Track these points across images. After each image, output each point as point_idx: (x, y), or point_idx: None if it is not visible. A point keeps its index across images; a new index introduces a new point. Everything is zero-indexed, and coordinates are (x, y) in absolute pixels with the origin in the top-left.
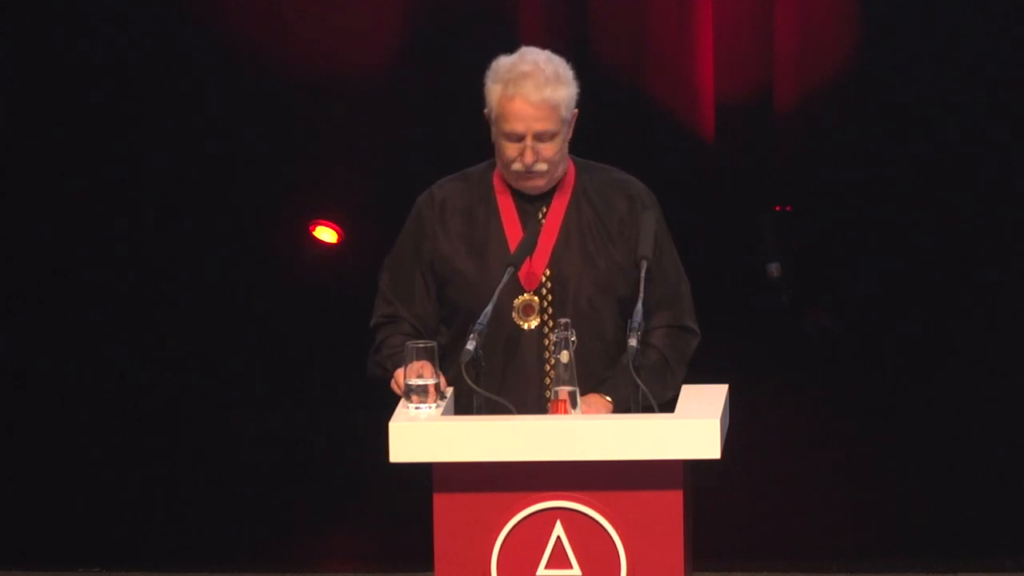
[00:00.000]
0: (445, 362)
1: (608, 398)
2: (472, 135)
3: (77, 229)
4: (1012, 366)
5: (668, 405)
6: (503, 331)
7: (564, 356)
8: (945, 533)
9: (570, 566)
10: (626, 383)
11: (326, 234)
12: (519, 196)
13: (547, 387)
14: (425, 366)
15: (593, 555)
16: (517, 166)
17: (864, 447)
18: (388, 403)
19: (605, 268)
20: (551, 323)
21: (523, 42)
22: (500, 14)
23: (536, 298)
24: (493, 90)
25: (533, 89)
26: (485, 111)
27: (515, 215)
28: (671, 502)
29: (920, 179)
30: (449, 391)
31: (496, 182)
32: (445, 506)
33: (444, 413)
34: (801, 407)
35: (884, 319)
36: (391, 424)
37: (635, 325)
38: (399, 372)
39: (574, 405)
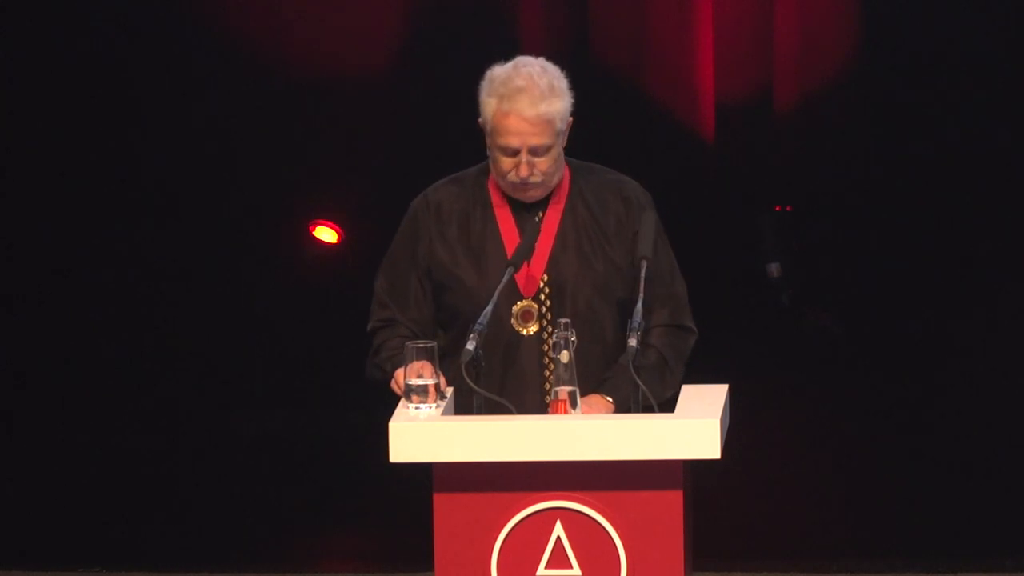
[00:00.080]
0: (443, 365)
1: (609, 398)
2: (472, 135)
3: (77, 229)
4: (1012, 366)
5: (668, 405)
6: (502, 337)
7: (564, 356)
8: (945, 533)
9: (570, 566)
10: (626, 383)
11: (326, 234)
12: (515, 201)
13: (547, 392)
14: (425, 366)
15: (593, 555)
16: (513, 178)
17: (864, 447)
18: (388, 403)
19: (603, 271)
20: (550, 329)
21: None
22: (500, 14)
23: (535, 304)
24: (488, 103)
25: (528, 105)
26: (479, 120)
27: (512, 220)
28: (671, 502)
29: (920, 179)
30: (449, 391)
31: (491, 187)
32: (445, 506)
33: (444, 413)
34: (801, 407)
35: (884, 319)
36: (391, 424)
37: (635, 325)
38: (399, 372)
39: (574, 405)
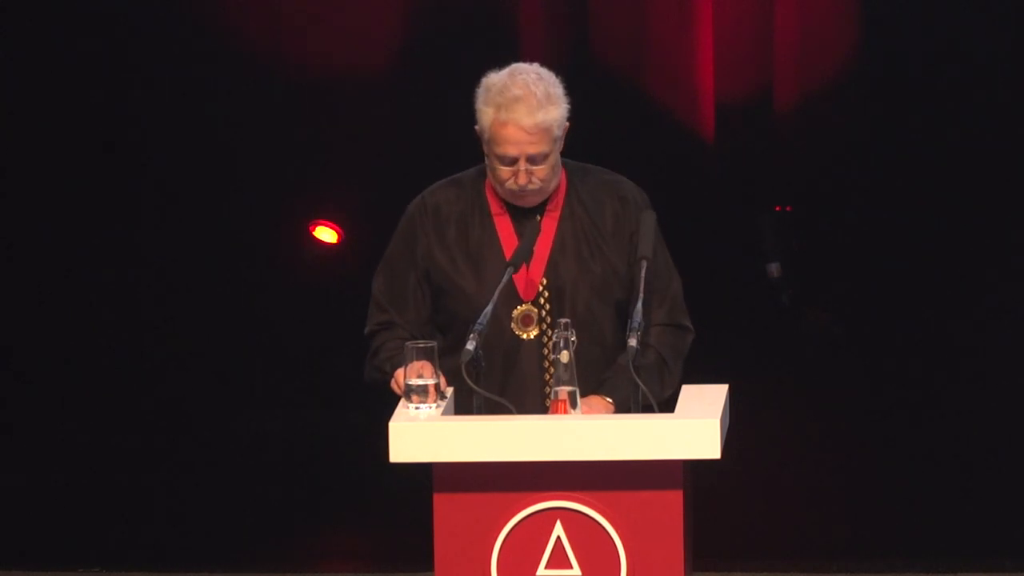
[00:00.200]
0: (441, 366)
1: (608, 399)
2: (472, 136)
3: (77, 229)
4: (1012, 366)
5: (668, 405)
6: (503, 342)
7: (564, 356)
8: (945, 533)
9: (570, 566)
10: (625, 383)
11: (326, 234)
12: (513, 206)
13: (547, 396)
14: (425, 366)
15: (593, 555)
16: (511, 186)
17: (864, 447)
18: (388, 403)
19: (601, 273)
20: (550, 333)
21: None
22: (500, 14)
23: (534, 308)
24: (485, 112)
25: (525, 114)
26: (476, 128)
27: (510, 227)
28: (671, 502)
29: (920, 179)
30: (449, 391)
31: (489, 191)
32: (445, 506)
33: (444, 413)
34: (801, 407)
35: (884, 319)
36: (391, 424)
37: (635, 325)
38: (399, 372)
39: (574, 405)
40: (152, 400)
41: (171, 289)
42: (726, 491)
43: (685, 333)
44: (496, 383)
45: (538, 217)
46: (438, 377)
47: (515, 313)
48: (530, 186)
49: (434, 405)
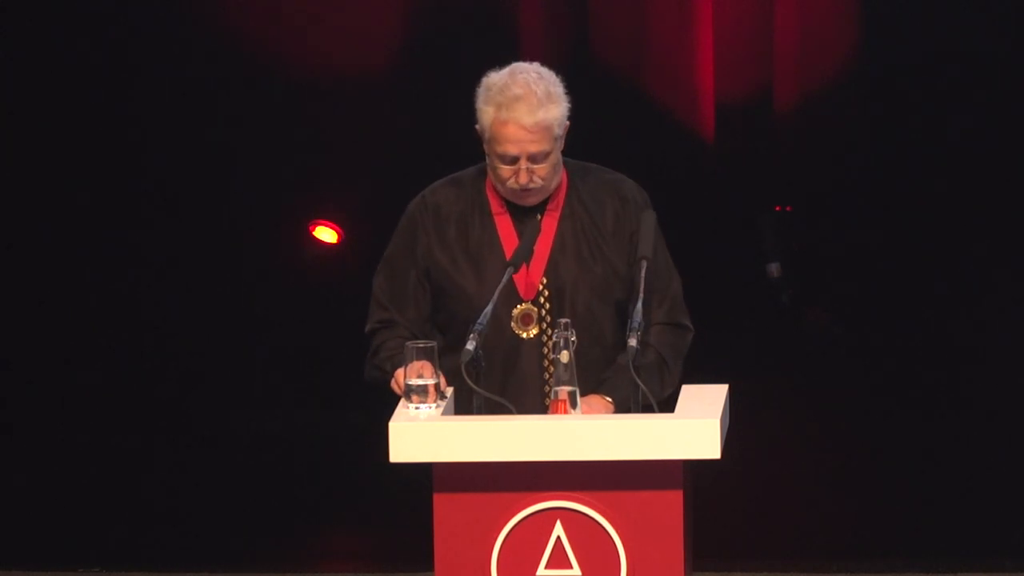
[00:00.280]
0: (441, 366)
1: (608, 398)
2: (472, 135)
3: (77, 229)
4: (1012, 366)
5: (668, 404)
6: (502, 341)
7: (564, 356)
8: (945, 533)
9: (570, 566)
10: (625, 383)
11: (326, 234)
12: (514, 206)
13: (547, 395)
14: (425, 366)
15: (593, 555)
16: (512, 185)
17: (864, 447)
18: (388, 403)
19: (601, 273)
20: (550, 332)
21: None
22: (500, 14)
23: (534, 307)
24: (485, 111)
25: (526, 113)
26: (477, 128)
27: (511, 226)
28: (671, 502)
29: (920, 179)
30: (449, 391)
31: (490, 191)
32: (445, 506)
33: (444, 413)
34: (801, 407)
35: (884, 319)
36: (391, 424)
37: (635, 325)
38: (399, 372)
39: (574, 405)
40: (152, 400)
41: (171, 289)
42: (726, 491)
43: (685, 332)
44: (496, 382)
45: (539, 216)
46: (438, 377)
47: (515, 312)
48: (531, 185)
49: (434, 405)
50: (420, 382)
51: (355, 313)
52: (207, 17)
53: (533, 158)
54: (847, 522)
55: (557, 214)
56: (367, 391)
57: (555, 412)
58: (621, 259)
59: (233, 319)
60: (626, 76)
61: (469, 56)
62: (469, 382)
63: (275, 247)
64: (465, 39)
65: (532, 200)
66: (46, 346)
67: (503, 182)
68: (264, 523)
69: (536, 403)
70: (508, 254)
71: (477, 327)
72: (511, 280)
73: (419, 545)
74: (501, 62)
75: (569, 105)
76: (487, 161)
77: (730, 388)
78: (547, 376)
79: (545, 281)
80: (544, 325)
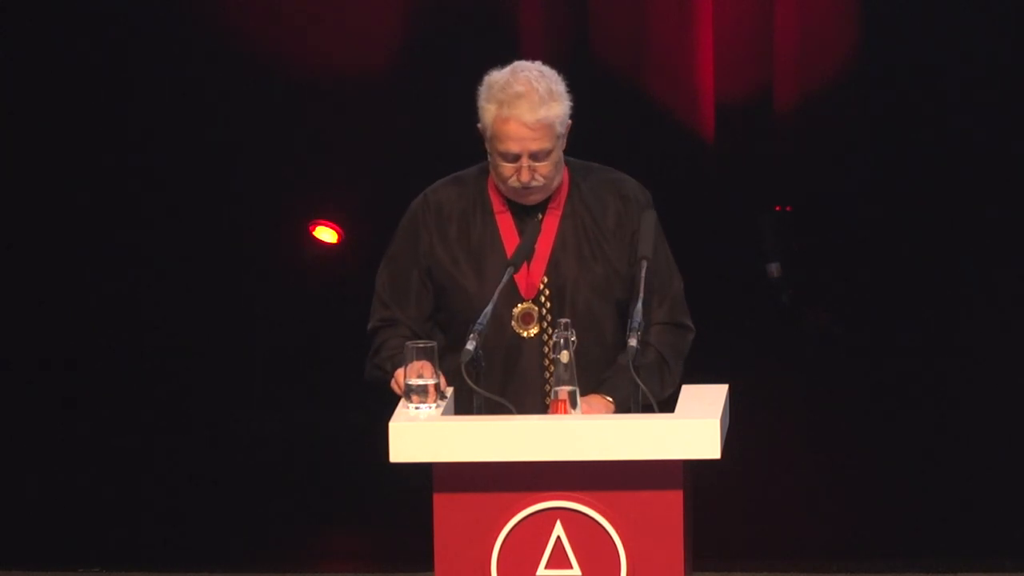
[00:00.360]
0: (441, 366)
1: (609, 398)
2: (472, 135)
3: (77, 229)
4: (1012, 366)
5: (668, 404)
6: (503, 340)
7: (564, 356)
8: (945, 533)
9: (570, 566)
10: (625, 383)
11: (326, 234)
12: (515, 205)
13: (547, 394)
14: (425, 366)
15: (593, 555)
16: (514, 183)
17: (864, 447)
18: (388, 403)
19: (602, 272)
20: (551, 331)
21: (523, 42)
22: (500, 14)
23: (535, 306)
24: (487, 109)
25: (527, 110)
26: (479, 126)
27: (512, 225)
28: (671, 502)
29: (920, 179)
30: (449, 391)
31: (491, 190)
32: (445, 506)
33: (444, 413)
34: (801, 407)
35: (884, 319)
36: (391, 424)
37: (635, 325)
38: (399, 372)
39: (574, 405)
40: (152, 400)
41: (171, 289)
42: (726, 491)
43: (686, 332)
44: (497, 382)
45: (540, 215)
46: (438, 377)
47: (515, 311)
48: (533, 183)
49: (434, 405)
50: (420, 382)
51: (355, 313)
52: (207, 17)
53: (535, 156)
54: (847, 522)
55: (559, 213)
56: (367, 391)
57: (555, 412)
58: (622, 258)
59: (233, 319)
60: (626, 76)
61: (469, 56)
62: (469, 382)
63: (275, 247)
64: (465, 39)
65: (534, 199)
66: (46, 346)
67: (505, 180)
68: (264, 523)
69: (537, 402)
70: (509, 253)
71: (477, 327)
72: (512, 279)
73: (419, 545)
74: (501, 62)
75: (571, 103)
76: (489, 160)
77: (730, 388)
78: (548, 375)
79: (546, 280)
80: (545, 324)
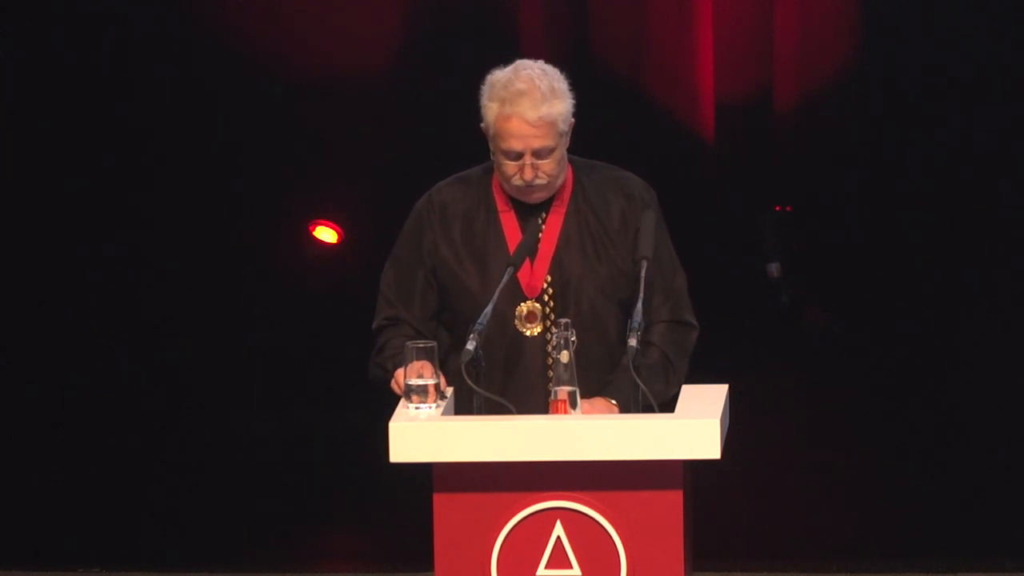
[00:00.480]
0: (446, 366)
1: (613, 401)
2: (472, 135)
3: (77, 228)
4: (1012, 366)
5: (668, 404)
6: (506, 339)
7: (564, 356)
8: (945, 533)
9: (570, 566)
10: (629, 385)
11: (326, 234)
12: (519, 204)
13: (550, 393)
14: (425, 366)
15: (593, 555)
16: (517, 181)
17: (864, 447)
18: (388, 403)
19: (606, 271)
20: (554, 329)
21: (523, 42)
22: (500, 14)
23: (539, 305)
24: (489, 108)
25: (530, 107)
26: (482, 125)
27: (516, 224)
28: (671, 502)
29: (920, 179)
30: (449, 391)
31: (495, 187)
32: (445, 506)
33: (444, 413)
34: (801, 407)
35: (884, 319)
36: (391, 424)
37: (635, 325)
38: (399, 372)
39: (574, 405)
40: (152, 400)
41: (171, 289)
42: (726, 491)
43: (689, 330)
44: (499, 380)
45: (544, 215)
46: (438, 377)
47: (519, 310)
48: (536, 181)
49: (434, 405)
50: (420, 382)
51: (355, 313)
52: (207, 17)
53: (537, 154)
54: (847, 522)
55: (563, 211)
56: (367, 391)
57: (555, 412)
58: (626, 257)
59: (233, 319)
60: (626, 76)
61: (469, 56)
62: (469, 382)
63: (275, 247)
64: (465, 39)
65: (537, 197)
66: (47, 345)
67: (508, 179)
68: (264, 523)
69: (540, 401)
70: (511, 248)
71: (477, 327)
72: (515, 278)
73: (419, 545)
74: (501, 62)
75: (574, 102)
76: (492, 159)
77: (730, 388)
78: (551, 375)
79: (550, 279)
80: (548, 323)
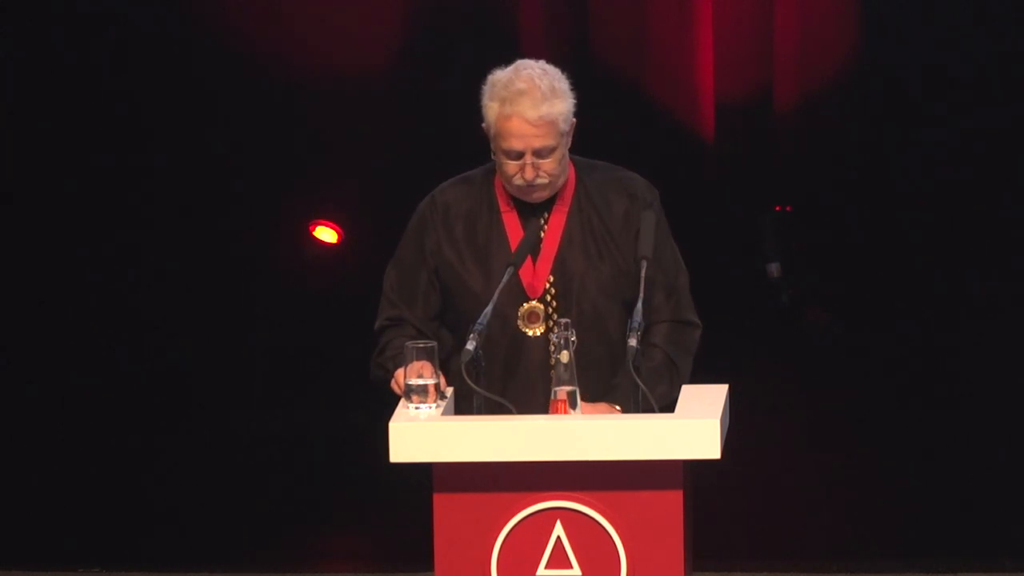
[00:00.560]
0: (449, 366)
1: (617, 407)
2: (472, 135)
3: (77, 229)
4: (1012, 366)
5: (668, 404)
6: (507, 339)
7: (564, 356)
8: (945, 533)
9: (570, 566)
10: (633, 390)
11: (326, 234)
12: (522, 204)
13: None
14: (425, 366)
15: (593, 555)
16: (518, 181)
17: (864, 447)
18: (388, 403)
19: (608, 271)
20: (555, 329)
21: (523, 42)
22: (500, 14)
23: (541, 305)
24: (490, 108)
25: (530, 107)
26: (483, 125)
27: (518, 224)
28: (671, 502)
29: (920, 179)
30: (449, 391)
31: (498, 189)
32: (445, 506)
33: (444, 413)
34: (801, 407)
35: (884, 319)
36: (391, 424)
37: (635, 325)
38: (399, 372)
39: (574, 405)
40: (152, 399)
41: (171, 289)
42: (726, 491)
43: (692, 329)
44: (501, 379)
45: (546, 215)
46: (438, 377)
47: (521, 310)
48: (538, 180)
49: (434, 405)
50: (420, 382)
51: (355, 313)
52: (207, 17)
53: (538, 153)
54: (847, 522)
55: (565, 211)
56: (367, 391)
57: (555, 412)
58: (629, 257)
59: (233, 319)
60: (626, 76)
61: (469, 56)
62: (469, 382)
63: (275, 247)
64: (465, 39)
65: (539, 196)
66: (46, 346)
67: (509, 179)
68: (264, 523)
69: (541, 401)
70: (514, 248)
71: (477, 327)
72: (517, 278)
73: (419, 545)
74: (501, 62)
75: (575, 101)
76: (494, 159)
77: (730, 388)
78: (553, 374)
79: (552, 279)
80: (551, 323)
